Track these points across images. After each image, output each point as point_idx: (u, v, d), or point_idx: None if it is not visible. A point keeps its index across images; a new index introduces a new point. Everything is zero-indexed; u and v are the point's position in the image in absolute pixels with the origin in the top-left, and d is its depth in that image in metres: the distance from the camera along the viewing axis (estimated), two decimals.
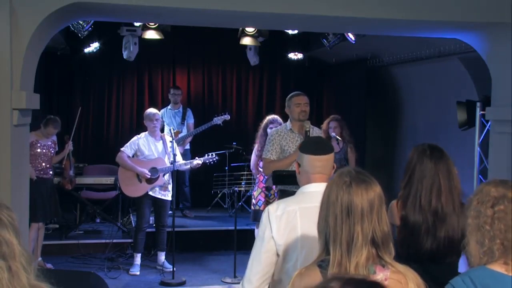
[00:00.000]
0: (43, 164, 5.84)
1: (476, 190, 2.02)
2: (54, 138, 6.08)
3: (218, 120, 7.39)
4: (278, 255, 2.27)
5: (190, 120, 7.91)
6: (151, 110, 6.17)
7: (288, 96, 4.80)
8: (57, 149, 6.20)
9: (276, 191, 5.52)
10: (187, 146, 7.75)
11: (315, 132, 4.73)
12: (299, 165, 2.43)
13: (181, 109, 7.91)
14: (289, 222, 2.25)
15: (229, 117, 7.54)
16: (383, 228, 1.79)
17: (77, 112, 6.99)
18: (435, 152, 2.71)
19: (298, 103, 4.64)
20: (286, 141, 4.67)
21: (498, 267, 1.88)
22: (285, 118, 6.30)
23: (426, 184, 2.66)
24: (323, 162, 2.36)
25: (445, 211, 2.63)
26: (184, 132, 7.71)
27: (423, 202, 2.65)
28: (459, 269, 2.71)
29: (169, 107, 7.87)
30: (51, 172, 6.02)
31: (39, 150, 5.80)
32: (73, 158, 6.83)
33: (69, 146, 6.44)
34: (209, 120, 7.52)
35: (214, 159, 6.33)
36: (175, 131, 6.86)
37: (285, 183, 4.39)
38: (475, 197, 1.98)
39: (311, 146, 2.45)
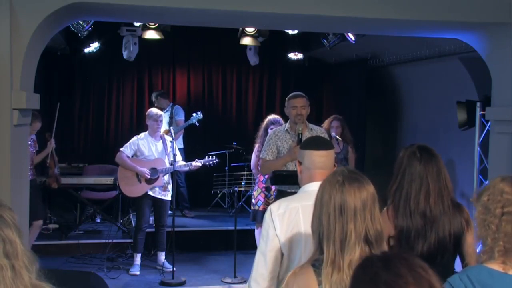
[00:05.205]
0: None
1: (488, 184, 1.99)
2: (33, 136, 5.87)
3: (193, 119, 7.20)
4: (282, 253, 2.27)
5: (178, 117, 7.80)
6: (156, 110, 6.12)
7: (287, 97, 4.75)
8: (37, 148, 6.06)
9: (274, 191, 5.52)
10: (181, 145, 7.63)
11: (314, 132, 4.66)
12: (300, 163, 2.44)
13: (169, 108, 7.88)
14: (291, 220, 2.27)
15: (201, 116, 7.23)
16: (376, 227, 1.81)
17: (56, 108, 6.45)
18: (424, 153, 2.66)
19: (294, 106, 4.58)
20: (282, 141, 4.64)
21: (496, 266, 1.88)
22: (285, 118, 6.32)
23: (415, 187, 2.62)
24: (324, 157, 2.39)
25: (434, 213, 2.60)
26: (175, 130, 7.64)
27: (412, 206, 2.62)
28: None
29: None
30: (32, 172, 5.67)
31: None
32: (56, 156, 6.51)
33: (52, 144, 6.26)
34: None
35: (214, 161, 6.30)
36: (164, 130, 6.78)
37: (285, 183, 4.40)
38: (486, 192, 1.96)
39: (311, 142, 2.51)
